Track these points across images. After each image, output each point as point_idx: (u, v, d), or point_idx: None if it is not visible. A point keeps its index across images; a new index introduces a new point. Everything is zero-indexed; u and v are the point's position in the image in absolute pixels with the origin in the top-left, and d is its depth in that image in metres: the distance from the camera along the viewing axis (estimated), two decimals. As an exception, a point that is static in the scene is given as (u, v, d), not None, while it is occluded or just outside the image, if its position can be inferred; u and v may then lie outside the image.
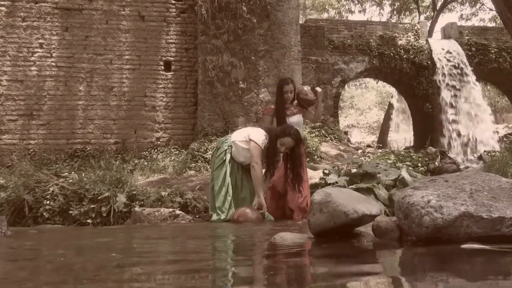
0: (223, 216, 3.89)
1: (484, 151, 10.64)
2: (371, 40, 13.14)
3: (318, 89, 4.61)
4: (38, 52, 9.22)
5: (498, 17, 7.36)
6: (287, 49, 9.44)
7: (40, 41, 9.24)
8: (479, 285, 1.32)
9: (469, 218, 1.80)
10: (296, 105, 4.58)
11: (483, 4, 21.11)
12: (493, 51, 13.64)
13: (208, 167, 7.58)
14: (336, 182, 4.54)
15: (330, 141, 10.06)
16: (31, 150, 8.75)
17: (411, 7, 21.40)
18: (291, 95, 4.48)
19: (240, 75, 9.10)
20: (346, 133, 20.29)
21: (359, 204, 2.17)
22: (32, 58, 9.19)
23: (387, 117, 21.17)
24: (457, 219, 1.79)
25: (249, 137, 3.98)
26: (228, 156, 4.06)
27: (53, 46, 9.27)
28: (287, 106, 4.50)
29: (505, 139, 11.71)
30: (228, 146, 4.10)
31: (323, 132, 10.34)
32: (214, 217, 3.99)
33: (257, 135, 3.96)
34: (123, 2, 9.58)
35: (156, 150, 9.04)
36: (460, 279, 1.43)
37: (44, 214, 4.41)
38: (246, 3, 9.14)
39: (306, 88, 4.65)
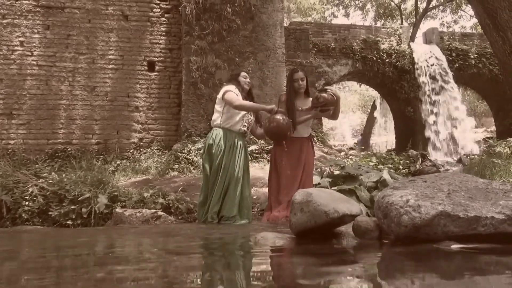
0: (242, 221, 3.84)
1: (464, 154, 10.84)
2: (355, 44, 13.27)
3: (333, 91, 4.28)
4: (19, 50, 9.04)
5: (479, 25, 7.52)
6: (272, 51, 9.47)
7: (21, 39, 9.07)
8: (455, 283, 1.35)
9: (446, 217, 1.83)
10: (308, 108, 4.21)
11: (464, 11, 21.52)
12: (473, 57, 13.91)
13: (192, 168, 7.54)
14: (319, 184, 4.57)
15: (314, 143, 10.09)
16: (10, 150, 8.55)
17: (395, 14, 21.65)
18: (303, 82, 4.23)
19: (224, 76, 9.08)
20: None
21: (339, 204, 2.19)
22: (12, 56, 9.00)
23: (370, 120, 21.41)
24: (434, 218, 1.83)
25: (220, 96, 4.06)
26: (220, 145, 3.97)
27: (34, 44, 9.10)
28: (300, 107, 4.18)
29: (484, 143, 11.94)
30: (213, 140, 4.00)
31: (307, 134, 10.37)
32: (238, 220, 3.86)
33: (225, 88, 4.06)
34: (106, 1, 9.46)
35: (138, 151, 8.95)
36: (437, 277, 1.46)
37: (23, 215, 4.32)
38: (231, 4, 9.14)
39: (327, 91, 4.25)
